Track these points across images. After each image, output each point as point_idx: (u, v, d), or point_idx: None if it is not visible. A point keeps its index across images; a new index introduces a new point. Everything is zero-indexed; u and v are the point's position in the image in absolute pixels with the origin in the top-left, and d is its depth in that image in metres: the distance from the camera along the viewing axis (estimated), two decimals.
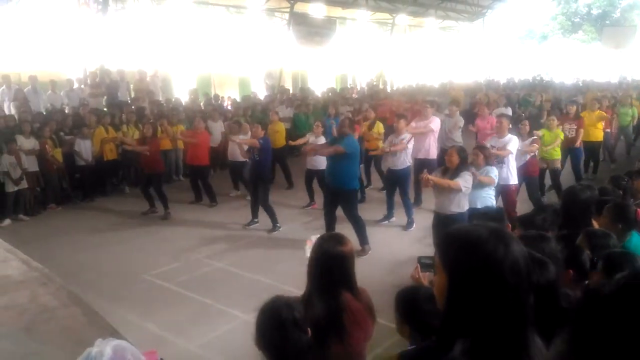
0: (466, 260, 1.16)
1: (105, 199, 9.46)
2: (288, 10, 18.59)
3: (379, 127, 8.92)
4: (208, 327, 4.64)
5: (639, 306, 0.83)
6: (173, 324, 4.70)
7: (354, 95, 17.10)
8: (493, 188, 5.59)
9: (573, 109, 9.35)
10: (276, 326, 1.93)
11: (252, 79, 20.07)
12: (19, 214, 8.13)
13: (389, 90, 20.38)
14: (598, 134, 9.78)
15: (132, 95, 12.89)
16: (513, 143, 6.46)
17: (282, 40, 18.72)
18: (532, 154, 7.11)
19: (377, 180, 9.25)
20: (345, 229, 5.87)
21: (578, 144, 9.02)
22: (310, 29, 19.32)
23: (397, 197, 7.50)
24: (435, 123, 8.05)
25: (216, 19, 17.71)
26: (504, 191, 6.43)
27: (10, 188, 7.99)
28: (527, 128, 7.23)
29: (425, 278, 2.44)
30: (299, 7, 18.76)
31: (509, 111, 11.23)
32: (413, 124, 7.96)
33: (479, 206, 5.25)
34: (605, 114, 10.00)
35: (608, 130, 10.70)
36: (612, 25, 34.03)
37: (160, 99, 13.00)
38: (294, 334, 1.93)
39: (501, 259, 1.13)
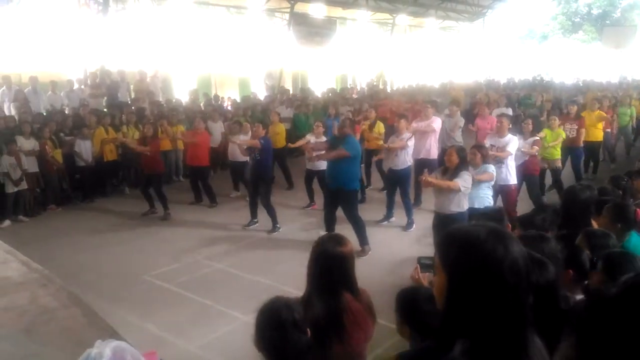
0: (465, 260, 1.16)
1: (105, 200, 9.46)
2: (288, 10, 18.60)
3: (380, 127, 8.92)
4: (208, 328, 4.64)
5: None
6: (173, 325, 4.70)
7: (354, 95, 17.11)
8: (491, 188, 5.60)
9: (574, 109, 9.35)
10: (276, 327, 1.93)
11: (252, 80, 20.08)
12: (18, 215, 8.13)
13: (389, 90, 20.38)
14: (598, 134, 9.78)
15: (132, 96, 12.90)
16: (513, 144, 6.45)
17: (282, 41, 18.72)
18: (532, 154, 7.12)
19: (377, 181, 9.24)
20: (345, 229, 5.87)
21: (580, 143, 9.03)
22: (310, 29, 19.33)
23: (397, 198, 7.50)
24: (436, 123, 8.05)
25: (216, 19, 17.72)
26: (503, 191, 6.43)
27: (10, 189, 7.99)
28: (530, 127, 7.23)
29: (425, 278, 2.44)
30: (299, 8, 18.77)
31: (509, 111, 11.24)
32: (414, 124, 7.96)
33: (476, 206, 5.26)
34: (605, 114, 9.99)
35: (608, 130, 10.70)
36: (613, 25, 34.04)
37: (161, 99, 12.99)
38: (293, 334, 1.93)
39: (500, 259, 1.13)
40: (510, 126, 6.79)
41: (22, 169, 8.08)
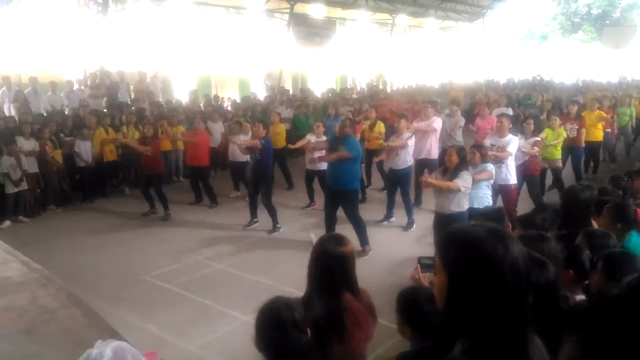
0: (465, 260, 1.16)
1: (105, 200, 9.46)
2: (288, 10, 18.60)
3: (380, 127, 8.93)
4: (208, 328, 4.64)
5: None
6: (173, 325, 4.70)
7: (353, 95, 17.11)
8: (490, 187, 5.61)
9: (574, 109, 9.35)
10: (276, 327, 1.93)
11: (252, 80, 20.08)
12: (19, 216, 8.13)
13: (388, 90, 20.38)
14: (598, 134, 9.79)
15: (132, 97, 12.90)
16: (513, 144, 6.44)
17: (282, 41, 18.72)
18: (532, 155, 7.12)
19: (377, 181, 9.25)
20: (345, 229, 5.86)
21: (581, 143, 9.04)
22: (310, 30, 19.33)
23: (397, 197, 7.50)
24: (437, 122, 8.05)
25: (216, 19, 17.71)
26: (503, 191, 6.43)
27: (10, 189, 7.99)
28: (532, 127, 7.22)
29: (426, 278, 2.44)
30: (299, 8, 18.77)
31: (510, 111, 11.25)
32: (415, 123, 7.96)
33: (476, 206, 5.26)
34: (605, 115, 9.99)
35: (608, 130, 10.70)
36: (612, 25, 34.03)
37: (160, 100, 13.00)
38: (293, 334, 1.93)
39: (500, 258, 1.13)
40: (511, 126, 6.79)
41: (22, 170, 8.09)
